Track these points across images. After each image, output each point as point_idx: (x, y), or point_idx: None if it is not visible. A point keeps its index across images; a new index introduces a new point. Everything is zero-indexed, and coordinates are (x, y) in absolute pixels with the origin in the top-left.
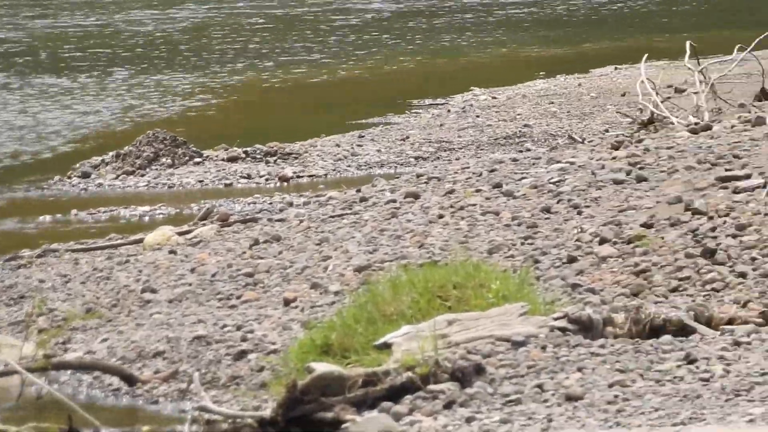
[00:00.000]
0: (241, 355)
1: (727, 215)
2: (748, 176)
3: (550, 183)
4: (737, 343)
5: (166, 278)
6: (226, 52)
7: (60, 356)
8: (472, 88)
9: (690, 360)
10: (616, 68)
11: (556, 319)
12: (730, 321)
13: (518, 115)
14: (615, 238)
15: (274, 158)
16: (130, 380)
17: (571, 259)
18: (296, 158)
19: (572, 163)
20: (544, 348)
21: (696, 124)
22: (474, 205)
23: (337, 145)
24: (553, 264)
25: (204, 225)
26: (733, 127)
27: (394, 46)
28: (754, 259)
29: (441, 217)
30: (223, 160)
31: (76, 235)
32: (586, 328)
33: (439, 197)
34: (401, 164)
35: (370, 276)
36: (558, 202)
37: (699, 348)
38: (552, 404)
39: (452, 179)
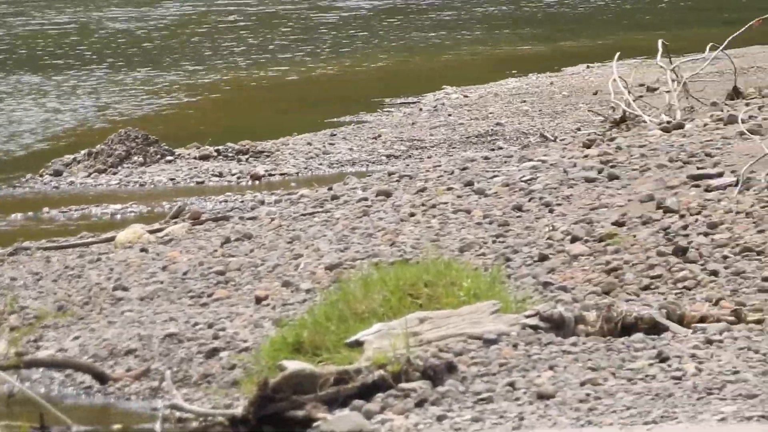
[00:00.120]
0: (213, 353)
1: (698, 213)
2: (720, 174)
3: (522, 181)
4: (709, 342)
5: (137, 276)
6: (202, 50)
7: (32, 354)
8: (444, 86)
9: (662, 358)
10: (588, 67)
11: (527, 317)
12: (702, 319)
13: (490, 113)
14: (586, 237)
15: (246, 156)
16: (101, 378)
17: (543, 258)
18: (268, 156)
19: (544, 162)
20: (515, 346)
21: (668, 122)
22: (445, 203)
23: (309, 144)
24: (525, 262)
25: (175, 223)
26: (705, 125)
27: (371, 44)
28: (725, 257)
29: (412, 215)
30: (195, 158)
31: (48, 233)
32: (558, 326)
33: (410, 195)
34: (373, 162)
35: (342, 274)
36: (530, 201)
37: (671, 346)
38: (523, 402)
39: (424, 177)
